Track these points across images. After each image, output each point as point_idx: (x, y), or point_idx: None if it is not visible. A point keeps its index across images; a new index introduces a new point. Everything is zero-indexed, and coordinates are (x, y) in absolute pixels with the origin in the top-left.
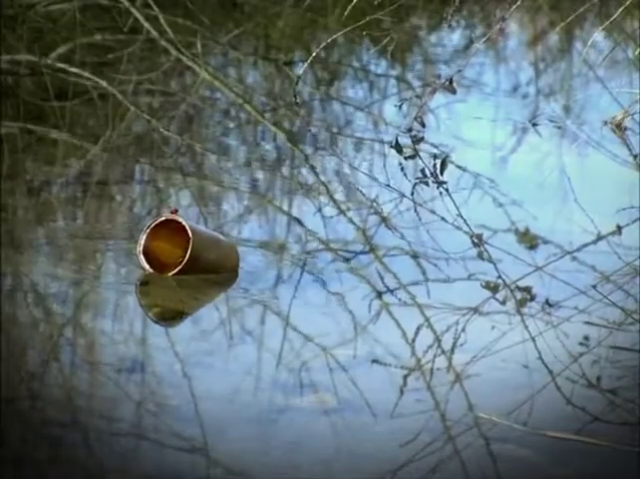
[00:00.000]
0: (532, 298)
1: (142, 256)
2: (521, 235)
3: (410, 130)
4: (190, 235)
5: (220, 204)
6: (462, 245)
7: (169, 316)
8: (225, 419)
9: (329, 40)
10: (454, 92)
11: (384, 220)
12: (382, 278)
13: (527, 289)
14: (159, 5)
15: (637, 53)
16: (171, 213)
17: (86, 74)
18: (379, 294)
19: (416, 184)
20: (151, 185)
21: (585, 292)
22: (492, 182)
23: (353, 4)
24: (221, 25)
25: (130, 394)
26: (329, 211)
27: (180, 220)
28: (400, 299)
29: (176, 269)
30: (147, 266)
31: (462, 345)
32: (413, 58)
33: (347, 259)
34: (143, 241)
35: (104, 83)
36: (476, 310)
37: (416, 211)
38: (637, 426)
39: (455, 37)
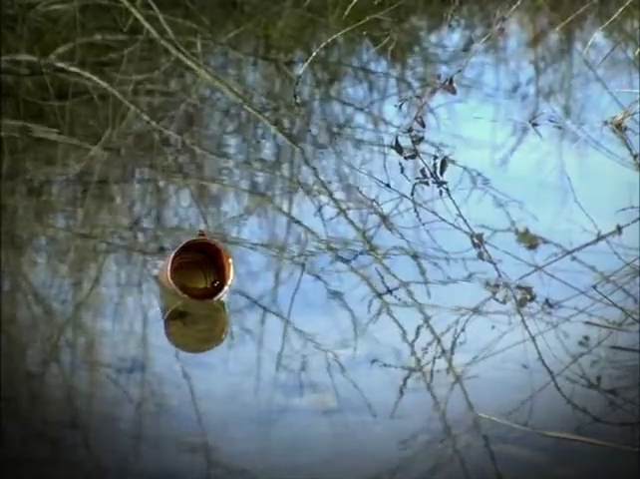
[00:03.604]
0: (532, 298)
1: (172, 282)
2: (521, 235)
3: (410, 130)
4: (229, 256)
5: (220, 204)
6: (462, 245)
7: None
8: (225, 419)
9: (329, 40)
10: (454, 92)
11: (384, 220)
12: (382, 278)
13: (527, 289)
14: (159, 5)
15: (637, 53)
16: (200, 235)
17: (86, 74)
18: (379, 294)
19: (416, 184)
20: (151, 184)
21: (585, 292)
22: (492, 182)
23: (353, 4)
24: (221, 25)
25: (130, 394)
26: (329, 211)
27: (214, 242)
28: (400, 299)
29: (222, 293)
30: (180, 293)
31: (462, 345)
32: (413, 58)
33: (347, 260)
34: (170, 267)
35: (104, 83)
36: (475, 310)
37: (416, 211)
38: (637, 426)
39: (455, 37)
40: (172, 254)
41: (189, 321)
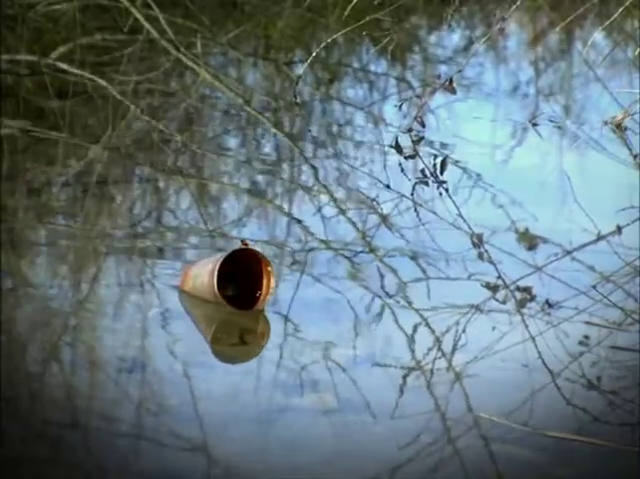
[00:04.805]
0: (532, 298)
1: (219, 293)
2: (521, 235)
3: (410, 130)
4: (270, 265)
5: (220, 204)
6: (462, 245)
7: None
8: (225, 419)
9: (329, 40)
10: (454, 92)
11: (384, 220)
12: (382, 278)
13: (527, 290)
14: (159, 5)
15: (637, 53)
16: (243, 245)
17: (86, 74)
18: (379, 295)
19: (416, 184)
20: (151, 184)
21: (585, 292)
22: (492, 182)
23: (353, 4)
24: (221, 25)
25: (130, 394)
26: (329, 211)
27: (259, 251)
28: (399, 301)
29: (263, 302)
30: (224, 302)
31: (462, 345)
32: (413, 58)
33: (347, 259)
34: (215, 277)
35: (104, 83)
36: (476, 310)
37: (416, 211)
38: (637, 426)
39: (455, 37)
40: (218, 265)
41: (233, 332)
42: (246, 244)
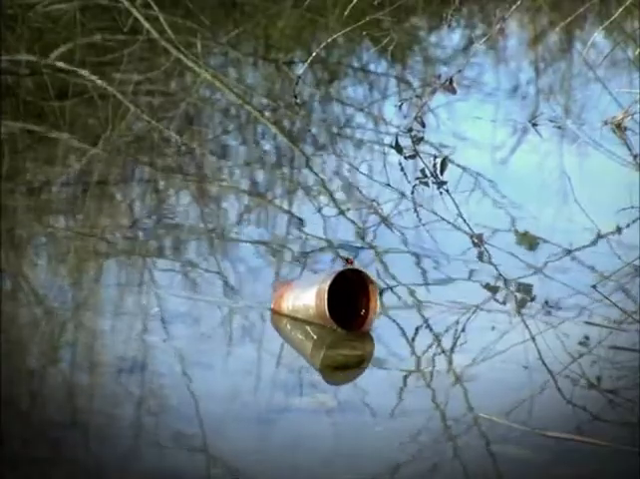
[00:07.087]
0: (532, 299)
1: (329, 315)
2: (521, 235)
3: (410, 130)
4: (374, 284)
5: (220, 203)
6: (462, 245)
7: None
8: (225, 419)
9: (329, 40)
10: (454, 92)
11: (384, 220)
12: (382, 278)
13: (527, 290)
14: (159, 5)
15: (637, 53)
16: (349, 263)
17: (86, 74)
18: (379, 294)
19: (416, 184)
20: (151, 184)
21: (585, 292)
22: (493, 182)
23: (353, 4)
24: (221, 25)
25: (130, 394)
26: (329, 210)
27: (363, 270)
28: (400, 299)
29: (372, 323)
30: (335, 325)
31: (462, 345)
32: (413, 58)
33: (347, 259)
34: (326, 299)
35: (104, 83)
36: (476, 310)
37: (416, 211)
38: (637, 426)
39: (455, 37)
40: (327, 287)
41: (338, 349)
42: (352, 263)
